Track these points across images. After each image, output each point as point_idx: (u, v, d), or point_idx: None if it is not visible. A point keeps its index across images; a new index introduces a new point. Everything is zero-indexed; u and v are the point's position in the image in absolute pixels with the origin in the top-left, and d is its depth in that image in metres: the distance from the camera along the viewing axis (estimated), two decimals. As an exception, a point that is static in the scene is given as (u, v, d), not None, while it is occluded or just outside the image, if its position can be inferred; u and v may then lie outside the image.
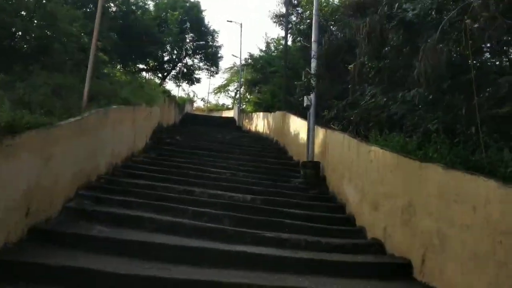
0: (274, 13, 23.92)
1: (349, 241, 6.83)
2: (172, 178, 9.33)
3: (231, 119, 32.37)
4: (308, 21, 19.78)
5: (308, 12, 19.54)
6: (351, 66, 9.64)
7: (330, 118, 13.97)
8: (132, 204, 7.25)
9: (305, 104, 11.18)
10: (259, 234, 6.53)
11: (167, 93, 18.41)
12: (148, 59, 29.10)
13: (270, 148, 16.02)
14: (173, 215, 7.02)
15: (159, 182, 8.84)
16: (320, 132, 11.11)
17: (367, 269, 5.81)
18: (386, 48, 8.88)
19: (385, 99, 8.82)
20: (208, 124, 24.40)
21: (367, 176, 7.45)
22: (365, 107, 10.99)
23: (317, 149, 10.95)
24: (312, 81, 10.97)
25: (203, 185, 9.16)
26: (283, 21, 23.89)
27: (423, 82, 6.47)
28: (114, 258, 5.16)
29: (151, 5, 32.11)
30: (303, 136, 13.02)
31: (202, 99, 70.96)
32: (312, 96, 11.06)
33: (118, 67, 22.88)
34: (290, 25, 21.94)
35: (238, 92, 36.65)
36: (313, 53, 11.41)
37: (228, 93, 50.84)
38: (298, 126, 13.97)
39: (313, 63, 11.35)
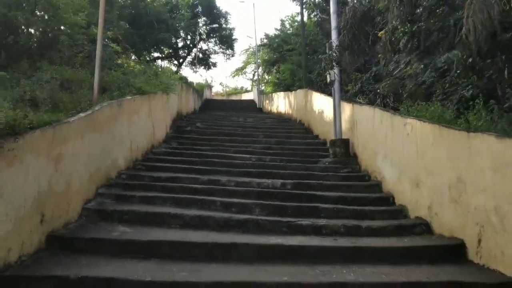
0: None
1: (391, 222, 6.27)
2: (195, 168, 8.88)
3: (250, 102, 31.81)
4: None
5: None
6: (382, 32, 8.89)
7: (355, 92, 13.36)
8: (155, 199, 6.83)
9: (328, 80, 10.55)
10: (293, 223, 6.04)
11: (183, 79, 17.89)
12: (162, 47, 28.54)
13: (294, 129, 15.45)
14: (200, 208, 6.59)
15: (182, 173, 8.40)
16: (347, 108, 10.49)
17: (416, 253, 5.26)
18: (418, 10, 8.13)
19: (422, 66, 8.10)
20: (228, 109, 23.96)
21: (405, 151, 6.85)
22: (398, 76, 10.34)
23: (344, 125, 10.35)
24: (335, 53, 10.31)
25: (229, 173, 8.69)
26: (297, -5, 23.08)
27: (472, 41, 5.73)
28: (139, 262, 4.74)
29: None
30: (328, 113, 12.43)
31: (221, 84, 70.60)
32: (335, 70, 10.41)
33: (133, 57, 22.46)
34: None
35: (256, 73, 35.98)
36: (333, 24, 10.70)
37: (246, 75, 50.28)
38: (322, 103, 13.35)
39: (333, 35, 10.65)
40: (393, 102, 10.31)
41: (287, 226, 5.97)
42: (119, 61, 14.39)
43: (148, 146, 10.06)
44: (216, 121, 16.17)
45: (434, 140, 5.87)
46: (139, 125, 9.34)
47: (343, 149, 9.98)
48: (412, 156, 6.56)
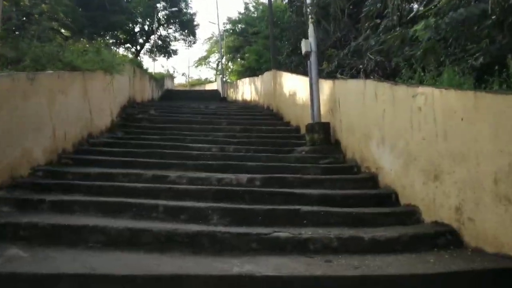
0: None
1: (402, 231, 4.50)
2: (139, 161, 6.98)
3: (214, 91, 29.84)
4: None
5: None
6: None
7: (330, 71, 11.60)
8: (73, 205, 4.86)
9: (303, 51, 8.77)
10: (267, 236, 4.20)
11: (136, 63, 15.78)
12: (116, 32, 26.14)
13: (262, 115, 13.62)
14: (135, 217, 4.70)
15: (121, 169, 6.47)
16: (326, 86, 8.75)
17: (453, 281, 3.52)
18: None
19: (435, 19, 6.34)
20: (189, 98, 21.92)
21: (415, 131, 5.12)
22: (382, 45, 8.69)
23: (324, 107, 8.61)
24: (310, 19, 8.53)
25: (182, 167, 6.81)
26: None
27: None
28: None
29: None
30: (302, 95, 10.70)
31: (183, 74, 68.13)
32: (311, 39, 8.64)
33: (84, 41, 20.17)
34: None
35: (220, 62, 33.97)
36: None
37: (210, 65, 48.19)
38: (293, 84, 11.59)
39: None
40: (381, 79, 8.64)
41: (257, 240, 4.13)
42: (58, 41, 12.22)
43: (82, 135, 8.05)
44: (173, 109, 14.19)
45: (466, 114, 4.14)
46: (68, 108, 7.32)
47: (322, 135, 8.24)
48: (428, 138, 4.83)
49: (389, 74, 8.31)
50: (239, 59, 29.30)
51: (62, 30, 21.27)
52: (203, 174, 6.29)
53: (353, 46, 11.46)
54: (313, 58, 8.57)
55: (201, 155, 7.63)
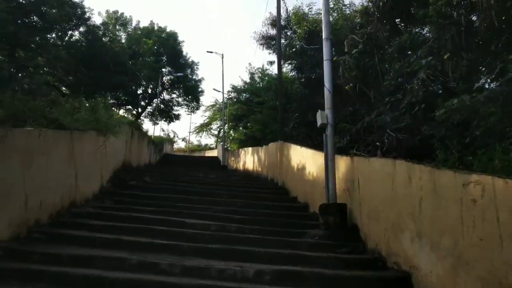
0: (260, 34, 20.89)
1: None
2: (125, 240, 5.90)
3: (214, 159, 29.07)
4: (298, 43, 16.87)
5: (300, 30, 16.65)
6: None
7: (342, 146, 10.75)
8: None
9: (319, 123, 7.91)
10: None
11: (135, 125, 14.98)
12: (118, 92, 25.69)
13: (266, 188, 12.59)
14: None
15: (101, 250, 5.40)
16: (342, 163, 7.83)
17: None
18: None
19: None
20: (188, 164, 21.12)
21: (467, 228, 4.11)
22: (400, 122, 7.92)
23: (338, 186, 7.63)
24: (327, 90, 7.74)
25: (175, 250, 5.72)
26: (270, 43, 21.01)
27: None
28: None
29: (122, 37, 29.23)
30: (312, 170, 9.77)
31: (183, 139, 67.66)
32: (328, 112, 7.82)
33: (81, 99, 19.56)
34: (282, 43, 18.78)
35: (222, 130, 33.44)
36: (325, 54, 8.20)
37: (211, 132, 47.70)
38: (302, 157, 10.69)
39: (326, 68, 8.13)
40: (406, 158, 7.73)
41: None
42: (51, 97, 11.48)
43: (63, 204, 7.01)
44: (171, 176, 13.20)
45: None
46: (48, 172, 6.34)
47: (339, 218, 7.20)
48: (487, 240, 3.82)
49: (414, 154, 7.42)
50: (241, 128, 28.71)
51: (63, 88, 20.85)
52: (201, 263, 5.18)
53: (367, 121, 10.73)
54: (329, 132, 7.71)
55: (198, 235, 6.54)
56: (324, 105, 8.03)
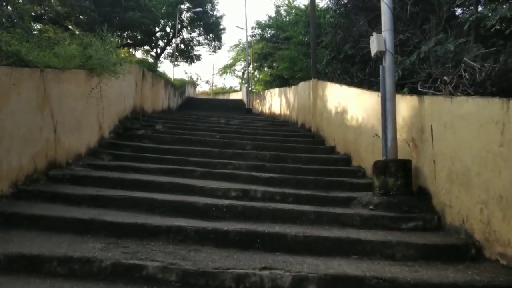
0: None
1: None
2: (106, 222, 4.14)
3: (238, 102, 27.21)
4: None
5: None
6: None
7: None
8: None
9: (374, 51, 5.89)
10: None
11: (147, 64, 13.07)
12: (133, 32, 23.65)
13: (298, 136, 10.69)
14: None
15: (72, 235, 3.71)
16: (404, 104, 5.87)
17: None
18: None
19: None
20: (210, 108, 19.42)
21: None
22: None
23: (399, 136, 5.71)
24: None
25: (176, 236, 3.98)
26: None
27: None
28: None
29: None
30: (355, 113, 7.87)
31: (207, 82, 65.78)
32: (386, 34, 5.76)
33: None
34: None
35: (246, 71, 31.36)
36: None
37: (235, 73, 45.59)
38: (343, 98, 8.73)
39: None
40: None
41: None
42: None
43: (37, 166, 5.33)
44: (188, 124, 11.43)
45: None
46: (4, 126, 4.62)
47: (402, 180, 5.33)
48: None
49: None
50: (266, 68, 26.60)
51: (70, 27, 18.92)
52: (210, 262, 3.43)
53: (425, 51, 8.63)
54: (388, 62, 5.68)
55: (212, 208, 4.77)
56: (367, 34, 6.01)
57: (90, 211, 4.34)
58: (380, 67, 5.78)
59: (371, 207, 5.24)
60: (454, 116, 4.60)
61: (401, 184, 5.32)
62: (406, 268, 3.63)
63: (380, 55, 5.79)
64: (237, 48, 42.32)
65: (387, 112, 5.61)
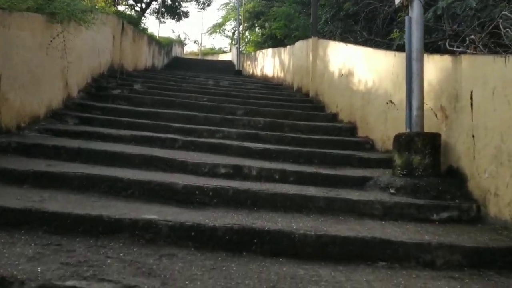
0: None
1: None
2: (48, 212, 3.09)
3: (228, 63, 25.91)
4: None
5: None
6: None
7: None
8: None
9: (396, 2, 4.79)
10: None
11: (126, 17, 11.73)
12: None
13: (294, 101, 9.57)
14: None
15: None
16: (432, 66, 4.80)
17: None
18: None
19: None
20: (197, 69, 18.15)
21: None
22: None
23: (426, 105, 4.66)
24: None
25: (142, 237, 2.95)
26: None
27: None
28: None
29: None
30: (364, 76, 6.81)
31: (195, 42, 63.51)
32: (415, -22, 4.63)
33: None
34: None
35: (237, 30, 29.71)
36: None
37: (225, 33, 43.73)
38: (348, 58, 7.62)
39: None
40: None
41: None
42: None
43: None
44: (171, 84, 10.24)
45: None
46: None
47: (430, 158, 4.32)
48: None
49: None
50: (257, 29, 25.17)
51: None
52: (188, 279, 2.40)
53: (442, 8, 7.49)
54: (416, 12, 4.56)
55: (195, 191, 3.71)
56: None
57: (32, 195, 3.28)
58: (406, 18, 4.66)
59: (392, 190, 4.24)
60: (508, 81, 3.55)
61: (428, 163, 4.31)
62: (456, 284, 2.66)
63: (406, 2, 4.67)
64: (228, 7, 40.43)
65: (413, 75, 4.53)
